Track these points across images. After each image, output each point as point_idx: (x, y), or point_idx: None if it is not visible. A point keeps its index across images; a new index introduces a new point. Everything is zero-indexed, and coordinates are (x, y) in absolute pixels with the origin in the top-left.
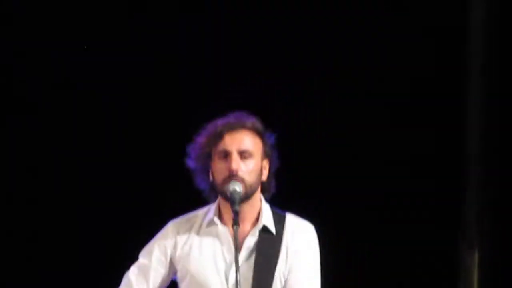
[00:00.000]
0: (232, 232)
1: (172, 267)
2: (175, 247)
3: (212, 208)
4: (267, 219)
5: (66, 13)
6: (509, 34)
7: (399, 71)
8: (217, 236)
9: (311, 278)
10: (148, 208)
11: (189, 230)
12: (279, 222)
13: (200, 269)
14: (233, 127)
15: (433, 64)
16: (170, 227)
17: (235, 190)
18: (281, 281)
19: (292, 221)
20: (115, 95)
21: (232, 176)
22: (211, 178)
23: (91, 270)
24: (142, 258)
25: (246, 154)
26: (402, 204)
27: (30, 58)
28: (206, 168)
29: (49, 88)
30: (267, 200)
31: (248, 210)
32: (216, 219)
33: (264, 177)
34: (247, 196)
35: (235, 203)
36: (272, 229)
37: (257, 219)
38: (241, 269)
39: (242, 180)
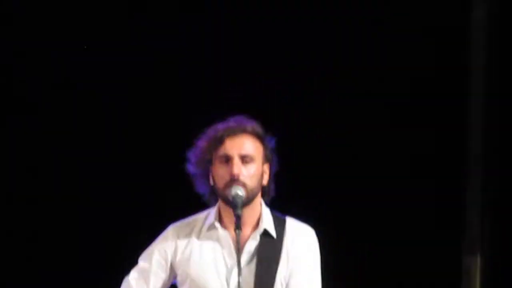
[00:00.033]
0: (232, 236)
1: (172, 271)
2: (175, 251)
3: (212, 212)
4: (268, 223)
5: (66, 13)
6: (510, 34)
7: (400, 71)
8: (217, 240)
9: (311, 282)
10: (148, 208)
11: (189, 234)
12: (279, 226)
13: (200, 273)
14: (234, 132)
15: (435, 64)
16: (170, 231)
17: (237, 194)
18: (282, 285)
19: (293, 225)
20: (115, 95)
21: (233, 180)
22: (211, 182)
23: (91, 271)
24: (142, 262)
25: (247, 159)
26: (402, 205)
27: (30, 58)
28: (206, 172)
29: (49, 88)
30: (267, 204)
31: (249, 214)
32: (217, 223)
33: (265, 181)
34: (248, 200)
35: (237, 207)
36: (273, 233)
37: (257, 223)
38: (242, 273)
39: (243, 185)
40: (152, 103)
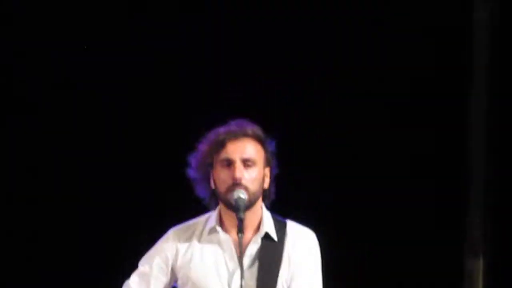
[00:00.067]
0: (233, 239)
1: (173, 275)
2: (176, 254)
3: (213, 215)
4: (269, 226)
5: (66, 13)
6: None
7: (402, 72)
8: (218, 244)
9: (313, 285)
10: (148, 208)
11: (190, 237)
12: (280, 229)
13: (202, 277)
14: (235, 135)
15: (436, 64)
16: (171, 234)
17: (239, 198)
18: None
19: (293, 228)
20: (115, 95)
21: (235, 184)
22: (212, 186)
23: (91, 271)
24: (143, 266)
25: (249, 163)
26: (404, 206)
27: (30, 58)
28: (207, 176)
29: (49, 88)
30: (267, 207)
31: (250, 218)
32: (218, 227)
33: (266, 184)
34: (250, 204)
35: (240, 210)
36: (274, 236)
37: (258, 227)
38: (244, 276)
39: (246, 189)
40: (152, 103)
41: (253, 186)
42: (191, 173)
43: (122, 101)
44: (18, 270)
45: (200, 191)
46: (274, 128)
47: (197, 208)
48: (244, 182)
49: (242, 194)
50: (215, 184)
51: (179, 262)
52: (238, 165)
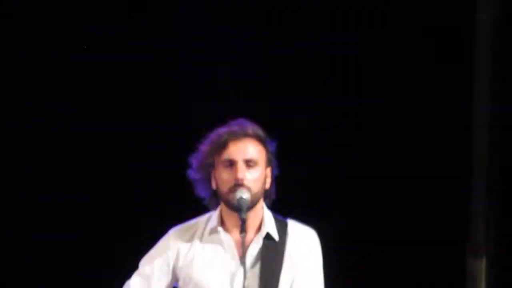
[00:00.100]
0: (235, 240)
1: (174, 275)
2: (177, 255)
3: (214, 216)
4: (270, 226)
5: (66, 13)
6: None
7: (404, 72)
8: (220, 244)
9: (314, 284)
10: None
11: (191, 238)
12: (282, 228)
13: (204, 277)
14: (237, 136)
15: (439, 65)
16: (172, 235)
17: (242, 198)
18: None
19: (294, 227)
20: (115, 95)
21: (238, 185)
22: (213, 186)
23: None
24: (144, 267)
25: (251, 163)
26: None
27: (30, 58)
28: (208, 176)
29: (49, 88)
30: (268, 207)
31: (252, 218)
32: (219, 228)
33: (268, 184)
34: (252, 204)
35: (242, 210)
36: (275, 236)
37: (259, 227)
38: (247, 276)
39: (248, 189)
40: (151, 103)
41: (255, 187)
42: (192, 173)
43: (122, 101)
44: (18, 270)
45: (201, 191)
46: (274, 129)
47: (197, 208)
48: (246, 182)
49: (244, 195)
50: (216, 184)
51: (180, 262)
52: (240, 165)
